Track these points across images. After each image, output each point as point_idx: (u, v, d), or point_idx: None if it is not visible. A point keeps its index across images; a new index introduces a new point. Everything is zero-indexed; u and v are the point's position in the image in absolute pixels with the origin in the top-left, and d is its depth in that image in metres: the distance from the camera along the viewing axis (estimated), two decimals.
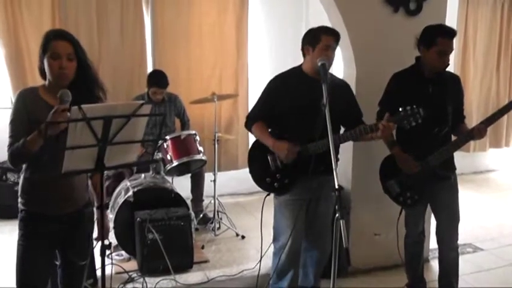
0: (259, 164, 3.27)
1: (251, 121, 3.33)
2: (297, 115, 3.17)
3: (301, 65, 3.30)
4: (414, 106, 2.88)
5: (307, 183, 3.18)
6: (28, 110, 2.27)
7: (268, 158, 3.23)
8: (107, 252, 4.27)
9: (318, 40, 3.10)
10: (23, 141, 2.18)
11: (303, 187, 3.21)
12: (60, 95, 2.17)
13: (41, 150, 2.19)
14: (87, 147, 1.98)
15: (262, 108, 3.31)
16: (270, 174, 3.24)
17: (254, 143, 3.37)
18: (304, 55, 3.26)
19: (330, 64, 3.12)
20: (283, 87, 3.25)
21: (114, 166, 2.21)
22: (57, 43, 2.29)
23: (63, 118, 2.08)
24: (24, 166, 2.38)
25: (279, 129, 3.25)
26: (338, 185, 2.42)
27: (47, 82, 2.37)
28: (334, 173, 2.45)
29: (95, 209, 2.62)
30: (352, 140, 3.18)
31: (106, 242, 2.24)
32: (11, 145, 2.26)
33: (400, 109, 2.91)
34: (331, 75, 3.23)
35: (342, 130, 3.32)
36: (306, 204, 3.29)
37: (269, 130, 3.28)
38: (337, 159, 3.31)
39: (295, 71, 3.29)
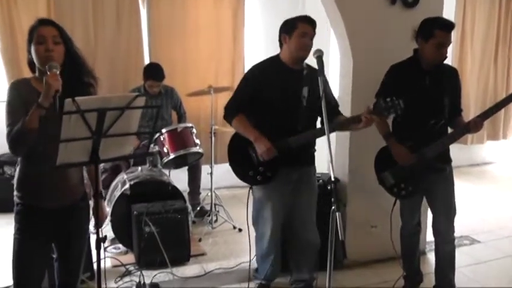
0: (241, 157, 3.27)
1: (231, 113, 3.30)
2: (277, 106, 3.18)
3: (279, 54, 3.29)
4: (394, 98, 2.90)
5: (289, 174, 3.24)
6: (23, 100, 2.25)
7: (250, 151, 3.22)
8: (105, 245, 4.30)
9: (294, 27, 3.13)
10: (21, 122, 2.16)
11: (284, 178, 3.25)
12: (48, 66, 2.17)
13: (37, 140, 2.18)
14: (82, 139, 1.96)
15: (242, 99, 3.28)
16: (252, 168, 3.24)
17: (233, 137, 3.35)
18: (281, 45, 3.26)
19: (308, 53, 3.16)
20: (261, 77, 3.25)
21: (109, 159, 2.20)
22: (42, 28, 2.29)
23: (56, 81, 2.11)
24: (19, 159, 2.36)
25: (258, 121, 3.23)
26: (334, 178, 2.42)
27: (37, 73, 2.35)
28: (330, 166, 2.45)
29: (91, 202, 2.61)
30: (335, 131, 3.25)
31: (101, 235, 2.22)
32: (10, 132, 2.23)
33: (381, 101, 2.94)
34: (307, 65, 3.27)
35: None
36: (289, 196, 3.33)
37: None
38: (314, 150, 3.39)
39: (273, 61, 3.30)
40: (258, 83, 3.23)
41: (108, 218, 4.22)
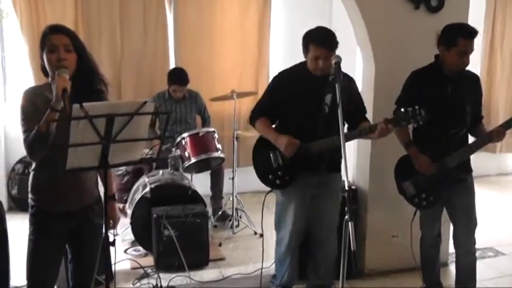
0: (262, 161, 3.31)
1: (255, 116, 3.37)
2: (297, 113, 3.20)
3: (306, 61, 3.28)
4: (416, 107, 2.80)
5: (307, 179, 3.23)
6: (36, 107, 2.28)
7: (270, 155, 3.26)
8: (125, 247, 4.34)
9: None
10: (36, 127, 2.18)
11: (303, 183, 3.25)
12: (57, 72, 2.20)
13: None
14: (90, 144, 1.98)
15: (267, 103, 3.35)
16: (272, 171, 3.27)
17: (257, 141, 3.40)
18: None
19: (322, 71, 3.10)
20: (287, 83, 3.29)
21: (119, 164, 2.21)
22: (53, 36, 2.31)
23: (63, 80, 2.14)
24: (33, 164, 2.40)
25: (280, 126, 3.30)
26: (348, 186, 2.40)
27: (50, 79, 2.37)
28: (345, 175, 2.43)
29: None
30: (353, 139, 3.27)
31: (110, 239, 2.24)
32: (26, 138, 2.26)
33: (402, 109, 2.86)
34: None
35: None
36: (310, 201, 3.32)
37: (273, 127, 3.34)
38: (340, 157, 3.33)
39: (299, 68, 3.30)
40: (281, 90, 3.28)
41: (129, 221, 4.27)
